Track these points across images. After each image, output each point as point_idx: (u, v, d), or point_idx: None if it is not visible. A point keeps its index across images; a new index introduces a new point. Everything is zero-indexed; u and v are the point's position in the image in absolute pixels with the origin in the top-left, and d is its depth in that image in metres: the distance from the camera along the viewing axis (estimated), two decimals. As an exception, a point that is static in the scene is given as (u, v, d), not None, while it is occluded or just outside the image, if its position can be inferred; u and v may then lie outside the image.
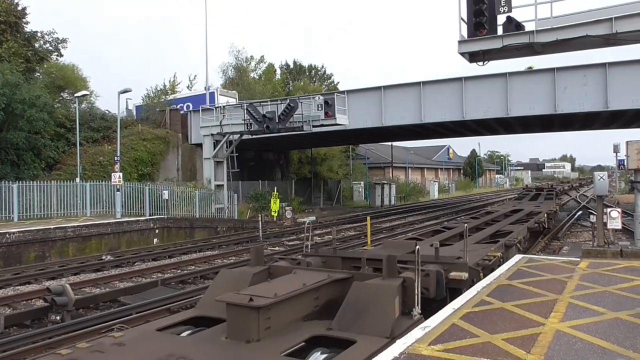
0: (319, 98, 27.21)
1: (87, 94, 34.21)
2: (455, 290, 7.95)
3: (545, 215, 19.84)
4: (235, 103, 35.16)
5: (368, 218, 20.98)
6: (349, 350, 5.53)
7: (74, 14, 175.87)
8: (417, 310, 6.55)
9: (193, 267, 17.84)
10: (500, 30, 12.10)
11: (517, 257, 11.25)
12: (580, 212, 32.34)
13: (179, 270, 17.13)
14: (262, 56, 52.91)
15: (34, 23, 72.75)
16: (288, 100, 27.50)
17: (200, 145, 33.35)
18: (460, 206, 47.32)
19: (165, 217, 26.34)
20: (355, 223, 31.64)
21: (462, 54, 12.76)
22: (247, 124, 28.37)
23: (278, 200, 30.25)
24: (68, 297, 10.64)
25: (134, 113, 40.67)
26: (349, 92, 31.06)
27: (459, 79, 28.44)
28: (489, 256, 9.87)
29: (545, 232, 21.12)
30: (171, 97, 42.21)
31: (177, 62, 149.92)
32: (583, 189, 76.36)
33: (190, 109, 37.25)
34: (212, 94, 39.10)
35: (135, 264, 18.66)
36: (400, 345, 5.55)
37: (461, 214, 35.58)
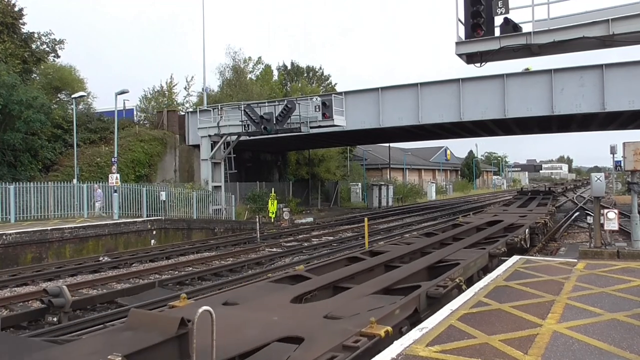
0: (316, 99, 27.23)
1: (84, 95, 34.17)
2: None
3: (528, 230, 15.77)
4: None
5: (365, 219, 20.99)
6: None
7: (73, 14, 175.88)
8: None
9: (190, 268, 17.80)
10: (497, 32, 12.12)
11: (515, 258, 11.28)
12: (577, 213, 32.38)
13: (177, 272, 17.10)
14: (260, 57, 52.90)
15: (33, 23, 72.80)
16: (286, 102, 27.51)
17: (197, 147, 33.33)
18: (457, 207, 47.36)
19: (163, 218, 26.32)
20: (353, 224, 31.65)
21: (460, 55, 12.77)
22: (245, 125, 28.40)
23: (275, 201, 30.23)
24: (65, 299, 10.61)
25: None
26: (347, 93, 31.10)
27: (457, 80, 28.50)
28: (352, 346, 5.35)
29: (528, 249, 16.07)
30: (99, 110, 41.34)
31: (178, 62, 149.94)
32: (580, 190, 76.45)
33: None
34: (130, 110, 39.73)
35: (133, 265, 18.63)
36: (397, 346, 5.55)
37: (459, 214, 35.57)
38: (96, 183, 27.23)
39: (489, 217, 19.84)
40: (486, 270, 10.73)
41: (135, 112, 41.01)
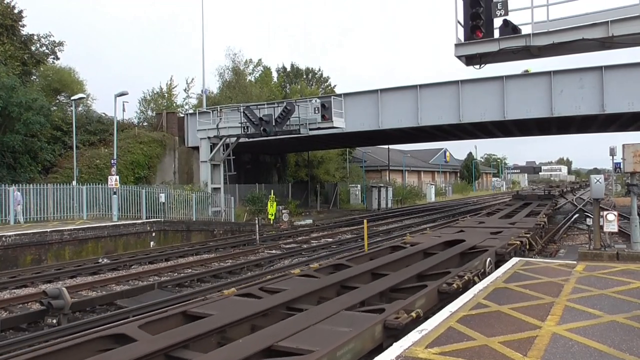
0: (315, 101, 27.26)
1: (83, 97, 34.17)
2: None
3: (491, 259, 11.23)
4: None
5: (365, 221, 21.01)
6: None
7: (73, 14, 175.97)
8: None
9: (190, 270, 17.81)
10: (497, 34, 12.12)
11: (514, 259, 11.28)
12: (576, 215, 32.39)
13: (176, 274, 17.10)
14: (260, 59, 52.97)
15: (32, 23, 72.86)
16: (285, 103, 27.54)
17: (197, 148, 33.34)
18: (456, 209, 47.37)
19: (162, 220, 26.28)
20: (352, 226, 31.65)
21: (459, 57, 12.76)
22: (244, 127, 28.42)
23: (275, 203, 30.24)
24: (64, 301, 10.60)
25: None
26: (346, 95, 31.12)
27: (456, 82, 28.53)
28: None
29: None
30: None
31: (178, 62, 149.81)
32: (579, 192, 76.24)
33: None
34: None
35: (132, 267, 18.62)
36: (397, 348, 5.55)
37: (458, 216, 35.56)
38: (15, 185, 24.46)
39: (449, 235, 15.18)
40: (378, 350, 6.04)
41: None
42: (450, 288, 8.51)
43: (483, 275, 10.02)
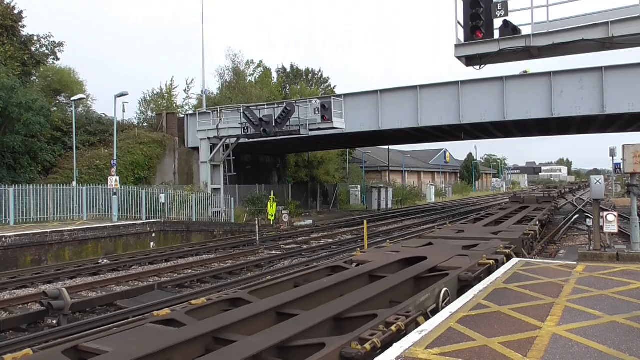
0: (315, 102, 27.26)
1: (83, 98, 34.16)
2: None
3: (447, 290, 8.22)
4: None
5: (365, 222, 21.02)
6: None
7: (73, 14, 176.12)
8: None
9: (190, 270, 17.81)
10: (497, 34, 12.13)
11: (514, 260, 11.26)
12: (576, 216, 32.39)
13: (176, 274, 17.11)
14: (261, 60, 52.97)
15: (34, 24, 72.85)
16: (285, 104, 27.55)
17: (197, 149, 33.34)
18: (456, 210, 47.38)
19: (162, 220, 26.30)
20: (352, 227, 31.64)
21: (459, 57, 12.76)
22: (244, 128, 28.43)
23: (275, 203, 30.24)
24: (64, 301, 10.61)
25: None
26: (346, 95, 31.12)
27: (456, 83, 28.51)
28: None
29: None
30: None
31: (179, 62, 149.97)
32: (579, 192, 76.11)
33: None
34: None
35: (132, 267, 18.62)
36: (397, 349, 5.55)
37: (457, 216, 35.54)
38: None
39: (411, 250, 12.19)
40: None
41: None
42: (358, 352, 5.46)
43: (435, 312, 7.39)
